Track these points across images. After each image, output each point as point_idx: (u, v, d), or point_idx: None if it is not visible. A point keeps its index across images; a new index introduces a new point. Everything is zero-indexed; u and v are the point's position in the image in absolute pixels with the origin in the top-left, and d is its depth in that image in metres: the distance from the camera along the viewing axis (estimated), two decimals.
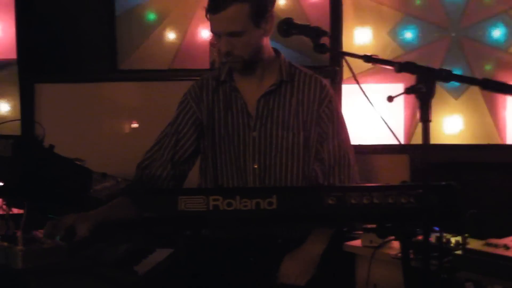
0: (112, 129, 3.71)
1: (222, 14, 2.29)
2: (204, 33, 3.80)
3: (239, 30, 2.33)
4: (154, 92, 3.69)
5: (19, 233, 1.97)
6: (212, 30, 2.38)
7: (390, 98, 1.70)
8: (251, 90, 2.48)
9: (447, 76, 1.62)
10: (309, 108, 2.46)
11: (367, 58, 1.83)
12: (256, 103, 2.46)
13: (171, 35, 3.83)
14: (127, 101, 3.69)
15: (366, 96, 1.97)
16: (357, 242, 3.06)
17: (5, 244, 2.00)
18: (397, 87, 3.54)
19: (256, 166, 2.45)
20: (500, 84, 1.54)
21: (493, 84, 1.55)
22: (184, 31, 3.82)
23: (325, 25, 3.55)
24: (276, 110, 2.46)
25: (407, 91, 1.65)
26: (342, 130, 2.52)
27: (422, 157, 1.66)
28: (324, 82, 2.52)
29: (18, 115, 3.72)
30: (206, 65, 3.69)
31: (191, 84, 2.60)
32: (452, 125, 3.68)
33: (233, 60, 2.38)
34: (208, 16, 2.35)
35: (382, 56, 1.85)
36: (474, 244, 2.53)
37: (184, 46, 3.83)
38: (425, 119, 1.64)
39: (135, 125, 3.70)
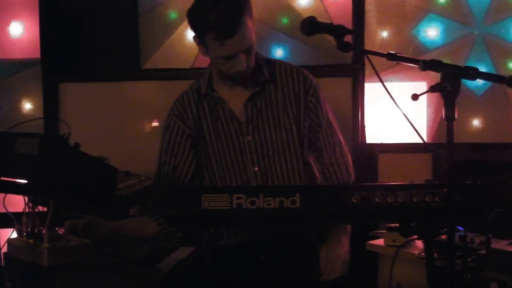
0: (135, 127, 3.72)
1: (237, 35, 2.25)
2: None
3: (252, 43, 2.32)
4: (177, 91, 3.69)
5: (44, 231, 1.99)
6: (226, 54, 2.30)
7: (415, 96, 1.70)
8: (235, 96, 2.46)
9: (473, 74, 1.61)
10: (296, 100, 2.46)
11: (391, 56, 1.82)
12: (243, 108, 2.44)
13: (193, 34, 3.82)
14: (150, 100, 3.70)
15: (389, 94, 1.96)
16: (380, 241, 3.05)
17: (31, 241, 2.03)
18: (420, 86, 3.53)
19: (256, 169, 2.44)
20: None
21: None
22: None
23: (348, 23, 3.53)
24: (265, 110, 2.45)
25: (432, 89, 1.64)
26: (331, 117, 2.54)
27: (447, 156, 1.66)
28: (306, 72, 2.51)
29: (41, 114, 3.74)
30: None
31: (172, 104, 2.57)
32: (475, 123, 3.65)
33: (248, 73, 2.38)
34: (218, 43, 2.26)
35: (405, 54, 1.85)
36: (498, 243, 2.51)
37: None
38: (450, 118, 1.64)
39: (155, 123, 3.71)
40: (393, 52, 1.83)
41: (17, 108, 3.83)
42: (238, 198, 1.81)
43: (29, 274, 2.02)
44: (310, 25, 2.12)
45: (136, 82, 3.75)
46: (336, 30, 2.05)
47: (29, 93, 3.82)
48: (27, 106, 3.83)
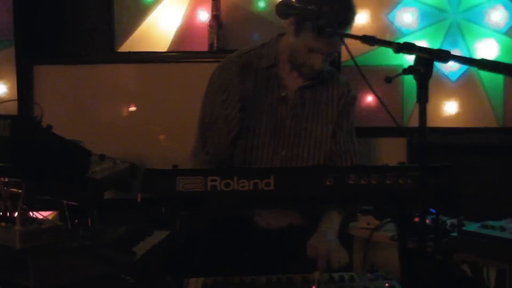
0: (110, 111, 3.71)
1: (335, 38, 2.30)
2: (202, 15, 3.77)
3: (338, 51, 2.52)
4: (152, 74, 3.69)
5: (17, 214, 1.98)
6: (314, 48, 2.36)
7: (388, 79, 1.71)
8: (291, 79, 2.52)
9: (445, 57, 1.62)
10: (337, 104, 2.57)
11: (366, 39, 1.83)
12: (294, 94, 2.51)
13: (169, 17, 3.79)
14: (124, 83, 3.69)
15: (364, 77, 1.98)
16: (355, 224, 3.09)
17: (3, 224, 2.01)
18: (396, 69, 3.55)
19: (284, 153, 2.49)
20: (497, 64, 1.54)
21: (490, 64, 1.55)
22: (182, 13, 3.79)
23: None
24: (309, 102, 2.53)
25: (405, 71, 1.65)
26: (353, 126, 2.63)
27: (420, 138, 1.67)
28: (348, 81, 2.64)
29: (15, 96, 3.70)
30: (205, 48, 3.69)
31: (230, 60, 2.54)
32: (449, 108, 3.69)
33: (316, 73, 2.47)
34: (315, 36, 2.30)
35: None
36: (470, 226, 2.55)
37: (182, 28, 3.79)
38: (423, 100, 1.65)
39: (132, 108, 3.70)
40: (368, 35, 1.83)
41: None
42: (212, 180, 1.82)
43: (1, 257, 2.00)
44: (286, 8, 2.13)
45: (111, 65, 3.74)
46: (310, 12, 2.06)
47: (2, 75, 3.77)
48: (0, 88, 3.78)
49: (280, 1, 2.16)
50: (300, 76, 2.51)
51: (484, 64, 1.55)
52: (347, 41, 2.03)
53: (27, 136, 1.88)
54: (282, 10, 2.13)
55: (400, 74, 1.67)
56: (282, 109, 2.50)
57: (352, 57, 2.03)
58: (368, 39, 1.82)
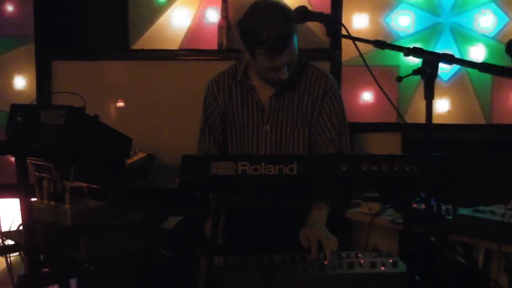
0: (125, 105, 3.90)
1: (285, 51, 2.43)
2: (212, 15, 3.98)
3: (296, 55, 2.51)
4: (164, 71, 3.86)
5: (66, 194, 2.18)
6: (273, 67, 2.48)
7: (399, 79, 1.94)
8: (265, 87, 2.66)
9: (450, 60, 1.86)
10: (315, 101, 2.65)
11: (378, 43, 2.05)
12: (269, 100, 2.65)
13: (181, 16, 3.99)
14: (138, 79, 3.87)
15: (373, 76, 2.18)
16: (357, 210, 3.33)
17: (53, 203, 2.22)
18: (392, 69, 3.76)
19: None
20: (496, 68, 1.79)
21: (490, 67, 1.79)
22: (194, 12, 3.97)
23: (326, 10, 3.72)
24: (287, 105, 2.65)
25: (415, 72, 1.88)
26: (344, 123, 2.69)
27: (427, 132, 1.89)
28: (330, 77, 2.71)
29: (34, 90, 3.86)
30: (214, 46, 3.89)
31: (210, 81, 2.75)
32: (441, 106, 3.91)
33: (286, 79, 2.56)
34: (268, 58, 2.44)
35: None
36: (464, 210, 2.80)
37: (193, 27, 3.99)
38: (429, 98, 1.88)
39: (144, 103, 3.87)
40: (380, 40, 2.06)
41: (10, 84, 3.95)
42: (242, 165, 2.04)
43: (52, 234, 2.20)
44: (303, 14, 2.33)
45: (125, 61, 3.91)
46: (326, 18, 2.27)
47: (22, 70, 3.93)
48: (20, 82, 3.95)
49: (298, 7, 2.35)
50: (271, 86, 2.64)
51: (485, 68, 1.80)
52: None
53: (80, 124, 2.09)
54: (300, 16, 2.33)
55: (410, 74, 1.90)
56: (259, 115, 2.66)
57: (363, 58, 2.23)
58: (380, 44, 2.05)
